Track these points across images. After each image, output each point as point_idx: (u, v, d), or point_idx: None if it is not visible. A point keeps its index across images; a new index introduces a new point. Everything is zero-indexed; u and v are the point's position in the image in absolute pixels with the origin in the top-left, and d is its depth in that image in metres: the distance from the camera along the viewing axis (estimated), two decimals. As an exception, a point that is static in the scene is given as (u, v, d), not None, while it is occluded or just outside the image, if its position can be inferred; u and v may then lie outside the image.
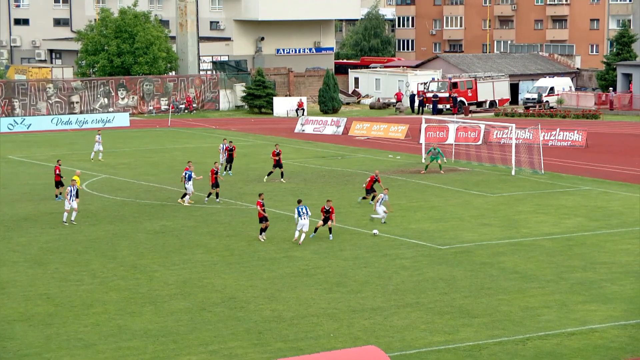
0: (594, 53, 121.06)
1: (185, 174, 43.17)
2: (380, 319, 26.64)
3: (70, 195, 38.85)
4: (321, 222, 36.52)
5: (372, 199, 42.31)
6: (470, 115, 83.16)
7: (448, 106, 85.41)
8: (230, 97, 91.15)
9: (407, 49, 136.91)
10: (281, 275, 31.33)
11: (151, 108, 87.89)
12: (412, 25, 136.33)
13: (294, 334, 25.46)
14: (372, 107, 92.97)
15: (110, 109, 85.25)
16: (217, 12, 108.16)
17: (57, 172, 44.35)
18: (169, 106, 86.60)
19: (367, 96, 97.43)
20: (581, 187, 47.84)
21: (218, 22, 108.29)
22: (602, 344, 24.47)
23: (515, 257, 33.53)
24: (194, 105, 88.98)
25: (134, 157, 59.62)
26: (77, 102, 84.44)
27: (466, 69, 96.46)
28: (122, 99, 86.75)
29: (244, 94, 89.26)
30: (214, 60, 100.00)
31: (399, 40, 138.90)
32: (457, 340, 24.80)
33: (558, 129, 64.94)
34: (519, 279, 30.73)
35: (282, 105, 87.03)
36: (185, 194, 43.41)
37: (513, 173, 51.70)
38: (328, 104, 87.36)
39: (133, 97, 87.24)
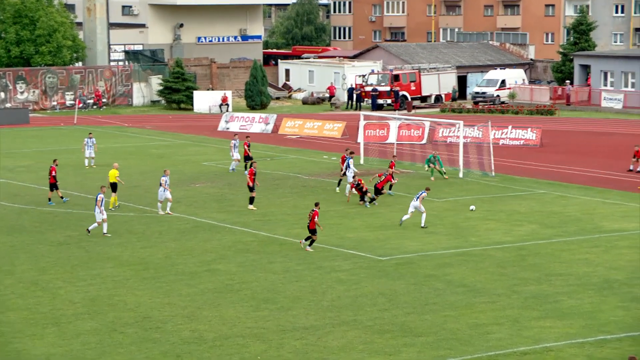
0: (549, 42, 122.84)
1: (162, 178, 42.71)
2: (313, 339, 26.68)
3: (102, 204, 38.68)
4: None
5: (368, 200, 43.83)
6: (413, 111, 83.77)
7: (389, 101, 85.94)
8: (145, 91, 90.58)
9: (344, 37, 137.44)
10: (202, 291, 31.21)
11: (55, 103, 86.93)
12: (350, 11, 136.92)
13: (216, 357, 25.38)
14: (304, 102, 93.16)
15: (8, 105, 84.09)
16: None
17: (53, 173, 44.69)
18: (75, 101, 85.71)
19: (299, 90, 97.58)
20: (535, 191, 48.49)
21: (131, 7, 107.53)
22: (558, 364, 24.87)
23: (463, 269, 33.84)
24: (104, 100, 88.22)
25: (35, 158, 58.92)
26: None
27: (409, 59, 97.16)
28: (22, 93, 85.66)
29: (161, 88, 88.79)
30: (126, 49, 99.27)
31: (334, 28, 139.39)
32: (398, 362, 24.98)
33: (510, 127, 65.74)
34: (467, 292, 31.02)
35: (204, 100, 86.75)
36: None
37: (461, 175, 52.19)
38: (255, 99, 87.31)
39: (34, 91, 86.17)
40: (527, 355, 25.41)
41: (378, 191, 44.75)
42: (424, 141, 64.87)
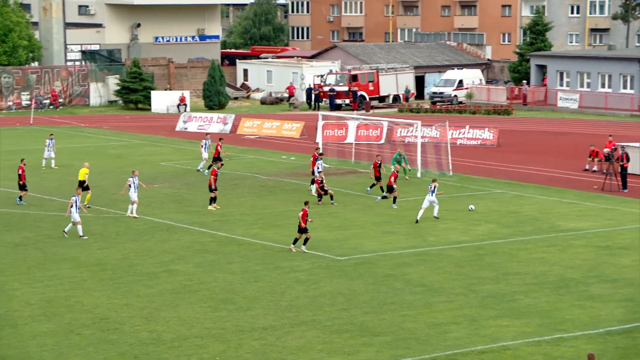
0: (506, 42, 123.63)
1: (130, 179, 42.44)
2: (272, 339, 26.67)
3: (76, 206, 38.17)
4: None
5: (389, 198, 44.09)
6: (371, 111, 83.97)
7: (347, 101, 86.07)
8: (102, 91, 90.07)
9: (302, 37, 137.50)
10: (160, 292, 31.09)
11: (10, 104, 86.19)
12: (307, 11, 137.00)
13: (174, 358, 25.29)
14: (263, 102, 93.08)
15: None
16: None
17: (20, 172, 44.62)
18: (31, 101, 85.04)
19: (257, 90, 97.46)
20: (493, 190, 48.78)
21: (87, 7, 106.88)
22: (515, 362, 25.02)
23: (421, 269, 33.97)
24: (60, 100, 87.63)
25: (-9, 159, 58.39)
26: None
27: (367, 59, 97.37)
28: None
29: (118, 88, 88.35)
30: (83, 49, 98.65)
31: (292, 28, 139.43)
32: (357, 362, 25.03)
33: (467, 127, 66.09)
34: (425, 292, 31.14)
35: (162, 100, 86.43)
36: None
37: (419, 175, 52.37)
38: (214, 99, 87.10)
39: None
40: (484, 354, 25.55)
41: (390, 188, 44.65)
42: (382, 141, 65.05)
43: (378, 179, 46.65)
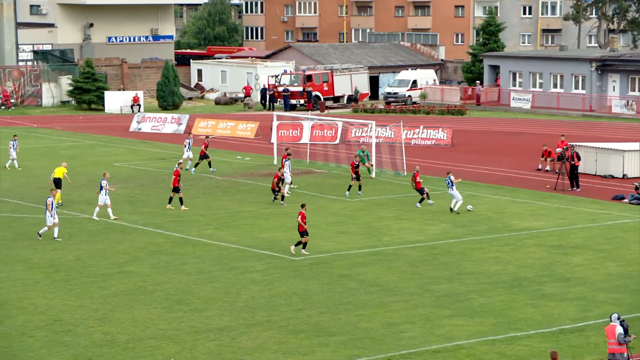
0: (459, 43, 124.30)
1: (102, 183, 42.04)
2: (227, 340, 26.62)
3: (52, 208, 37.65)
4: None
5: (424, 199, 44.68)
6: (326, 111, 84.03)
7: (302, 101, 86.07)
8: (54, 91, 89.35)
9: (256, 37, 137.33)
10: (114, 294, 30.92)
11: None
12: (262, 12, 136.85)
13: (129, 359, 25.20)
14: (217, 102, 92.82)
15: None
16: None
17: None
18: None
19: (211, 90, 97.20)
20: (446, 191, 48.89)
21: (39, 6, 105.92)
22: (470, 361, 25.16)
23: (376, 268, 34.06)
24: (12, 100, 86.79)
25: (-58, 160, 57.72)
26: None
27: (322, 60, 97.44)
28: None
29: (71, 88, 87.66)
30: (35, 49, 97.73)
31: (247, 28, 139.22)
32: (312, 362, 25.04)
33: (421, 127, 66.35)
34: (380, 292, 31.23)
35: (115, 101, 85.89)
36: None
37: (373, 175, 52.49)
38: (168, 99, 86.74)
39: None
40: (439, 354, 25.67)
41: (421, 191, 44.91)
42: (337, 141, 65.12)
43: (357, 178, 47.01)
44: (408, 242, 37.98)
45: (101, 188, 41.48)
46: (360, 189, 47.32)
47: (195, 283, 32.15)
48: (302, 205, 36.14)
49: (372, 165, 52.08)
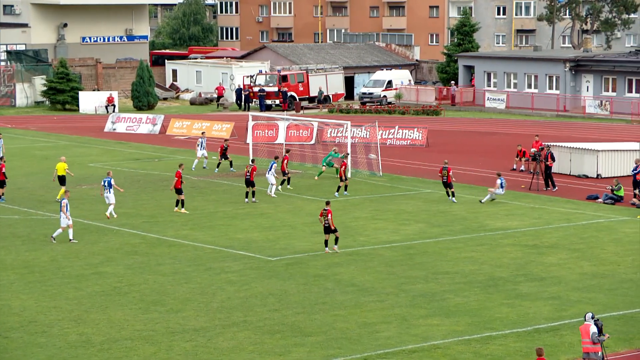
0: (434, 43, 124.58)
1: (105, 181, 41.86)
2: (203, 341, 26.58)
3: (67, 209, 37.30)
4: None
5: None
6: (301, 111, 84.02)
7: (277, 102, 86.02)
8: (28, 91, 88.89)
9: (231, 37, 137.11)
10: (90, 295, 30.81)
11: None
12: (236, 12, 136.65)
13: (105, 361, 25.11)
14: (192, 102, 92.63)
15: None
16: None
17: (3, 170, 44.97)
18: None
19: (186, 90, 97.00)
20: (422, 190, 49.11)
21: (12, 6, 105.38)
22: (446, 361, 25.22)
23: (352, 268, 34.09)
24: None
25: None
26: None
27: (297, 60, 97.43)
28: None
29: (45, 88, 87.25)
30: (8, 49, 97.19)
31: (221, 28, 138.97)
32: (289, 362, 25.04)
33: (397, 127, 66.45)
34: (356, 292, 31.26)
35: (90, 101, 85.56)
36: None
37: (349, 175, 52.46)
38: (142, 100, 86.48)
39: None
40: (415, 353, 25.73)
41: (448, 185, 45.78)
42: (312, 141, 65.14)
43: (343, 179, 47.29)
44: (384, 242, 38.04)
45: (110, 186, 41.40)
46: (346, 189, 47.46)
47: (170, 284, 32.08)
48: (328, 203, 36.21)
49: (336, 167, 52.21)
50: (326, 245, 36.11)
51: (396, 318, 28.58)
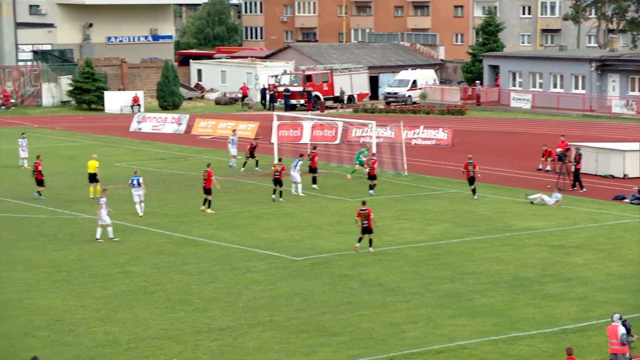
0: (459, 43, 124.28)
1: (132, 179, 42.19)
2: (229, 340, 26.61)
3: (105, 207, 37.64)
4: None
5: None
6: (326, 111, 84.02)
7: (302, 101, 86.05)
8: (54, 91, 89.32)
9: (256, 37, 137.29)
10: (116, 294, 30.91)
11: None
12: (261, 11, 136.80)
13: (131, 360, 25.20)
14: (217, 102, 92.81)
15: None
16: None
17: (39, 168, 45.77)
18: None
19: (211, 90, 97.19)
20: (447, 190, 48.99)
21: (38, 6, 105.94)
22: (472, 361, 25.17)
23: (378, 268, 34.06)
24: (12, 100, 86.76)
25: (-58, 160, 57.74)
26: None
27: (321, 60, 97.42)
28: None
29: (71, 88, 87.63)
30: (34, 49, 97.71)
31: (246, 28, 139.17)
32: (315, 362, 25.04)
33: (422, 127, 66.34)
34: (382, 292, 31.22)
35: (115, 101, 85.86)
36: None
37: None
38: (168, 99, 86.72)
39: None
40: (441, 354, 25.68)
41: (473, 181, 46.16)
42: (337, 141, 65.13)
43: (373, 177, 47.42)
44: (409, 242, 37.98)
45: (139, 184, 41.85)
46: (371, 189, 47.48)
47: (196, 283, 32.15)
48: (364, 203, 36.32)
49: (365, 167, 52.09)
50: (358, 241, 36.06)
51: (422, 318, 28.54)
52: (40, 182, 45.91)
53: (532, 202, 45.16)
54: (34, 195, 45.75)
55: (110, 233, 37.79)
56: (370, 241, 36.13)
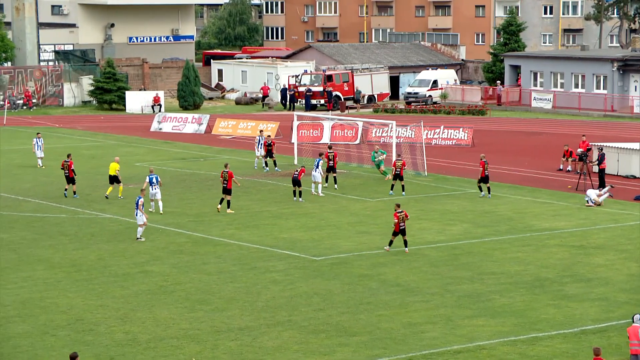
0: (480, 43, 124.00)
1: (150, 177, 42.48)
2: (248, 340, 26.64)
3: (143, 206, 37.93)
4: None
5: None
6: (346, 111, 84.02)
7: (322, 101, 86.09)
8: (76, 91, 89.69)
9: (276, 37, 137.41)
10: (136, 293, 30.99)
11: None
12: (282, 11, 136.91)
13: (150, 359, 25.22)
14: (238, 102, 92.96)
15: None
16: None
17: (72, 167, 46.31)
18: (4, 102, 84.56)
19: (232, 90, 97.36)
20: (467, 190, 48.88)
21: (61, 7, 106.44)
22: (491, 362, 25.09)
23: (397, 268, 34.02)
24: (34, 100, 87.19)
25: (-36, 160, 58.05)
26: None
27: (342, 60, 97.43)
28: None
29: (92, 88, 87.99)
30: (56, 49, 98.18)
31: (267, 28, 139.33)
32: (333, 362, 25.03)
33: (442, 127, 66.23)
34: (401, 292, 31.18)
35: (136, 101, 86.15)
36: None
37: (389, 176, 52.28)
38: (188, 99, 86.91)
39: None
40: (460, 354, 25.62)
41: (486, 179, 46.39)
42: (357, 141, 65.12)
43: (401, 178, 47.31)
44: (429, 242, 37.92)
45: (158, 182, 42.31)
46: (392, 189, 47.43)
47: (216, 283, 32.19)
48: (398, 205, 36.28)
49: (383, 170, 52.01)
50: (390, 245, 36.07)
51: (441, 318, 28.48)
52: (71, 180, 46.27)
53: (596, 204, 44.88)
54: (65, 194, 46.28)
55: (139, 233, 37.90)
56: (405, 242, 36.09)
